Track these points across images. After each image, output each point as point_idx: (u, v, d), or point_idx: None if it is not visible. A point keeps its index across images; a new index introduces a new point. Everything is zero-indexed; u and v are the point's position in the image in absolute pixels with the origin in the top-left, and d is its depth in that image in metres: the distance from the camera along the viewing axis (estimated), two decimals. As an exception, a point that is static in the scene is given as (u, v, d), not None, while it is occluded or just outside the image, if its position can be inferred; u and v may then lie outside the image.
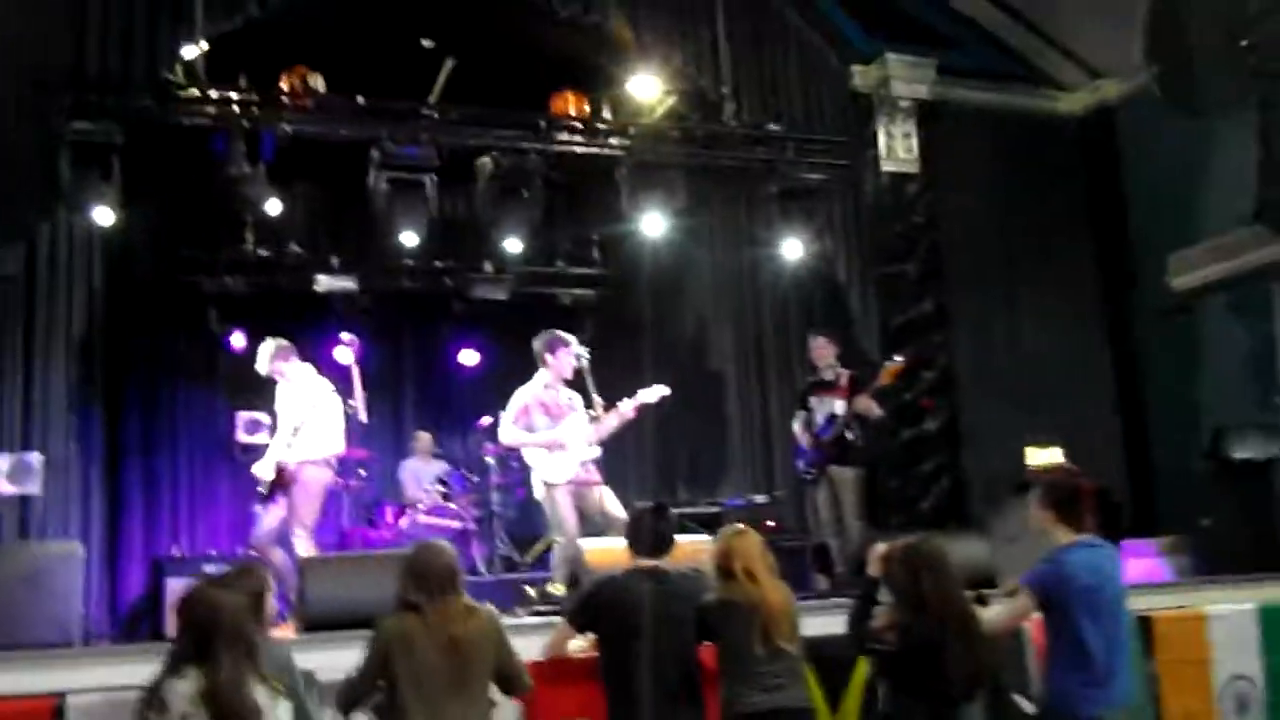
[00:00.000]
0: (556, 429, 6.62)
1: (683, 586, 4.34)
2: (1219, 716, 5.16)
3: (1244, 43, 6.96)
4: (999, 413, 9.94)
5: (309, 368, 7.36)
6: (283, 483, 6.94)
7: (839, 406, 7.65)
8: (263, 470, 7.11)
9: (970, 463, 9.74)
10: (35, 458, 7.89)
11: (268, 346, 7.27)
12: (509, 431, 6.74)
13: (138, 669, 3.67)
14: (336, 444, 7.17)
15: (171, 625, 7.29)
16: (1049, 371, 10.18)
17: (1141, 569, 7.27)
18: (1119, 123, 10.44)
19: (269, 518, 6.99)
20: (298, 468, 6.94)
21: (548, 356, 6.74)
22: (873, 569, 4.31)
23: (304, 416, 6.99)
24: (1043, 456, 9.54)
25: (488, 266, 10.59)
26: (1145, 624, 5.23)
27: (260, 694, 3.26)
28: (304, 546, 6.79)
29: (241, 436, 10.06)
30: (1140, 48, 7.77)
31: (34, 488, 7.84)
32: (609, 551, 5.51)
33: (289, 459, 6.95)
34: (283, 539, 6.92)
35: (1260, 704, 5.25)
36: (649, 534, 4.46)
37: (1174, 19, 7.18)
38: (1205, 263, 8.88)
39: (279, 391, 7.29)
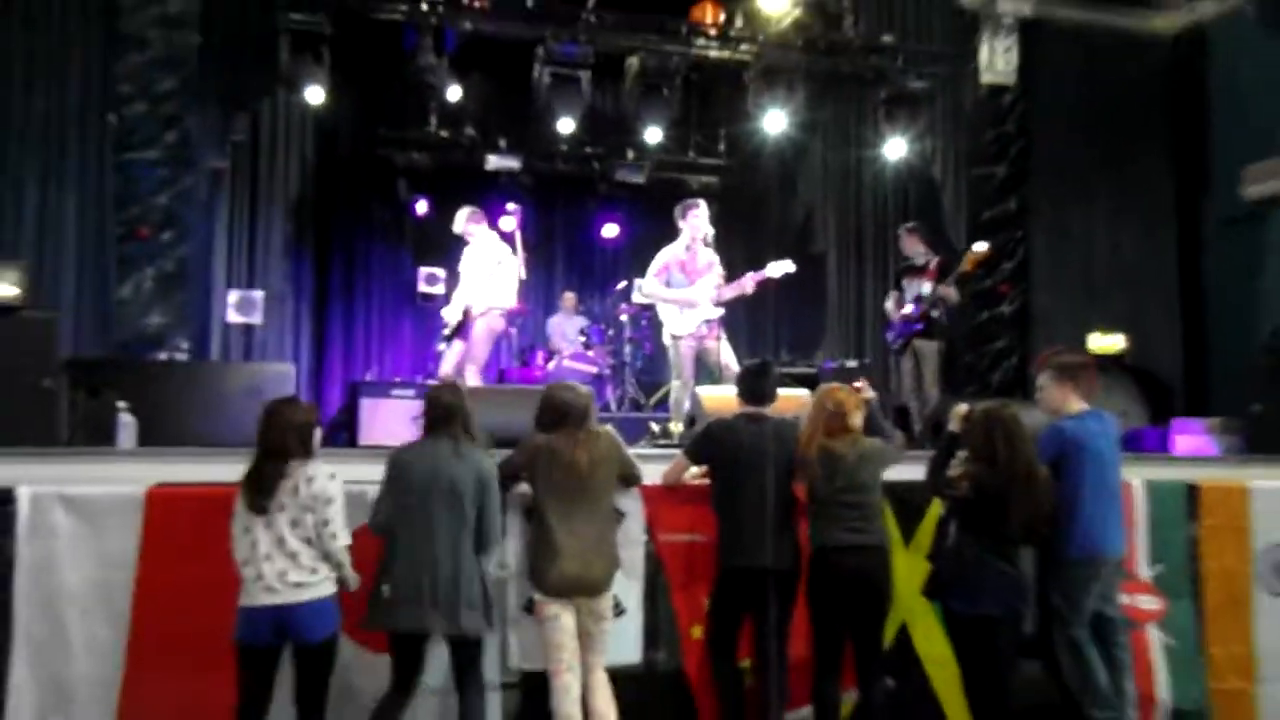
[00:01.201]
0: (690, 288, 6.46)
1: (780, 431, 4.23)
2: (1255, 578, 4.86)
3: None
4: (1068, 300, 9.46)
5: (493, 232, 7.30)
6: (465, 326, 6.94)
7: (926, 288, 7.31)
8: (450, 314, 7.12)
9: (1038, 343, 9.29)
10: (258, 294, 8.14)
11: (464, 211, 7.16)
12: (650, 285, 6.59)
13: (340, 466, 3.76)
14: (510, 298, 7.07)
15: (366, 435, 7.59)
16: (1118, 266, 9.59)
17: (1191, 444, 6.87)
18: (1210, 42, 9.47)
19: (451, 354, 7.04)
20: (480, 314, 6.90)
21: (682, 220, 6.55)
22: (953, 426, 4.15)
23: (488, 271, 6.90)
24: (1105, 341, 9.07)
25: (630, 154, 10.40)
26: (1192, 491, 4.91)
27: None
28: (473, 380, 6.84)
29: (422, 287, 10.24)
30: (1240, -31, 6.95)
31: (256, 318, 8.10)
32: (721, 398, 5.40)
33: (474, 306, 6.91)
34: (460, 373, 6.98)
35: (1296, 570, 4.93)
36: (754, 386, 4.35)
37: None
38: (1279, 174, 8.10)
39: (466, 249, 7.17)
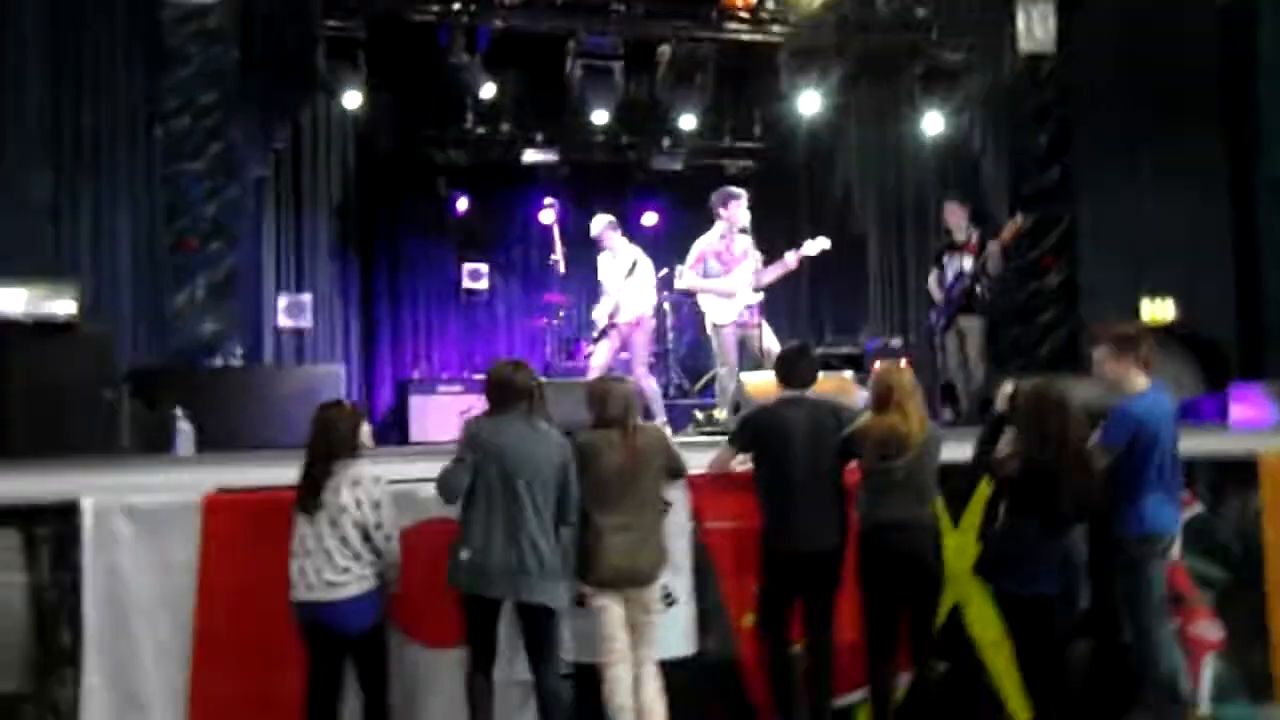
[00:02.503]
0: (728, 277, 6.41)
1: (822, 412, 4.21)
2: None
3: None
4: (1117, 270, 9.20)
5: (625, 239, 7.15)
6: (612, 327, 6.88)
7: (968, 263, 7.19)
8: (599, 315, 7.06)
9: (1087, 314, 9.11)
10: (306, 297, 8.25)
11: (600, 220, 7.08)
12: (688, 276, 6.57)
13: (391, 466, 3.81)
14: (651, 298, 7.00)
15: (416, 432, 7.63)
16: (1168, 234, 9.30)
17: (1249, 410, 6.66)
18: (1260, 5, 9.15)
19: (601, 351, 6.93)
20: (629, 322, 6.79)
21: (721, 210, 6.50)
22: (1000, 404, 4.07)
23: (625, 279, 6.84)
24: (1156, 309, 8.84)
25: (665, 142, 10.37)
26: (1252, 462, 4.75)
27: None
28: (646, 381, 6.71)
29: (466, 283, 10.31)
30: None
31: (306, 322, 8.22)
32: (766, 383, 5.36)
33: (619, 315, 6.83)
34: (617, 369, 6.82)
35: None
36: (793, 369, 4.32)
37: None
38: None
39: (604, 258, 7.11)
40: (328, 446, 3.65)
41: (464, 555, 3.67)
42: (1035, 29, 9.04)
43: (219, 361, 7.04)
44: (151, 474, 4.38)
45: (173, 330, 7.09)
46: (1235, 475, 4.74)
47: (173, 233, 7.14)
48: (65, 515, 3.78)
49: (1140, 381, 4.09)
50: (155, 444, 5.30)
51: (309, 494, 3.60)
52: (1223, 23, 9.29)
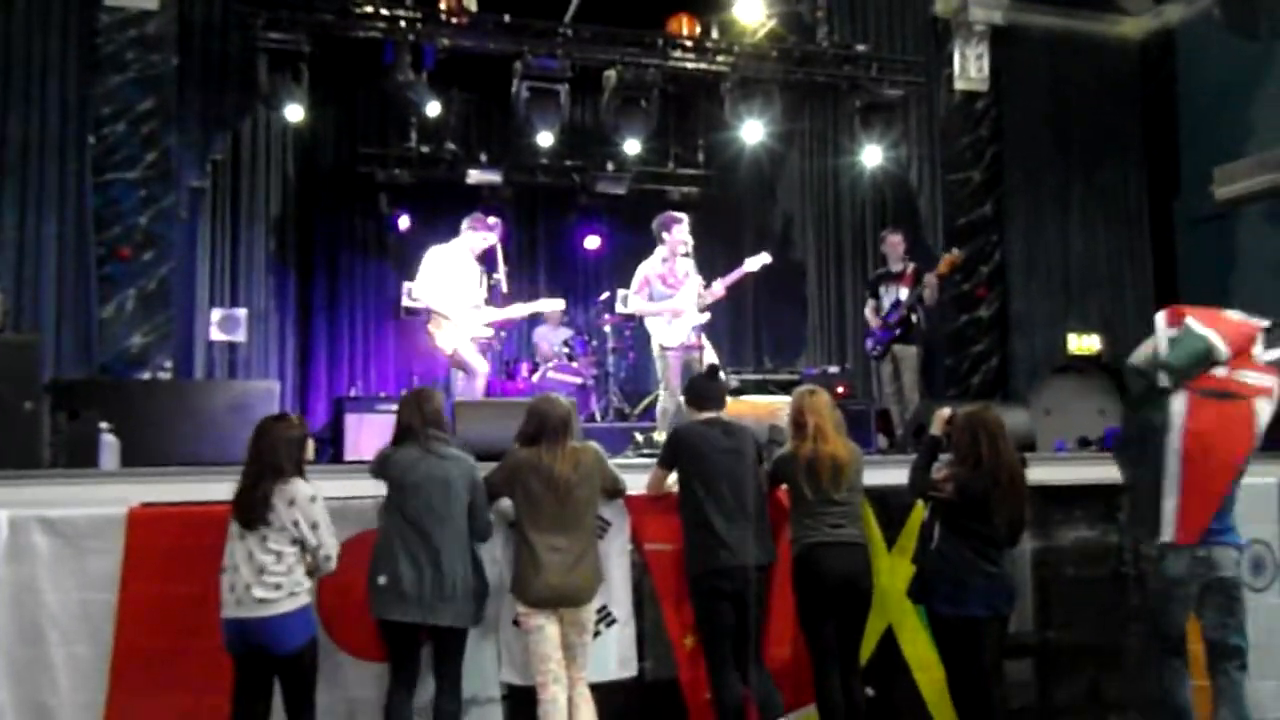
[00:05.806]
0: (674, 297, 6.44)
1: (741, 434, 4.25)
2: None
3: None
4: (1045, 303, 9.51)
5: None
6: None
7: (904, 293, 7.34)
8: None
9: (1016, 345, 9.37)
10: (241, 312, 8.08)
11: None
12: (634, 301, 6.58)
13: (323, 483, 3.73)
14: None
15: (350, 450, 7.51)
16: (1093, 268, 9.65)
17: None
18: (1178, 45, 9.53)
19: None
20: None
21: (664, 234, 6.53)
22: (935, 429, 4.15)
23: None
24: (1082, 343, 9.11)
25: (610, 165, 10.41)
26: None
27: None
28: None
29: (406, 301, 10.17)
30: (1206, -27, 6.96)
31: (240, 336, 8.04)
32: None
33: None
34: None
35: (1275, 565, 4.91)
36: (709, 392, 4.37)
37: (1242, -55, 6.35)
38: (1249, 174, 8.11)
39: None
40: (274, 461, 3.55)
41: (381, 581, 3.66)
42: (970, 67, 9.33)
43: (147, 374, 6.86)
44: (73, 487, 4.23)
45: (99, 342, 6.89)
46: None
47: (103, 242, 6.96)
48: (-21, 528, 3.64)
49: None
50: (78, 458, 5.11)
51: (248, 508, 3.49)
52: (1142, 62, 9.67)
